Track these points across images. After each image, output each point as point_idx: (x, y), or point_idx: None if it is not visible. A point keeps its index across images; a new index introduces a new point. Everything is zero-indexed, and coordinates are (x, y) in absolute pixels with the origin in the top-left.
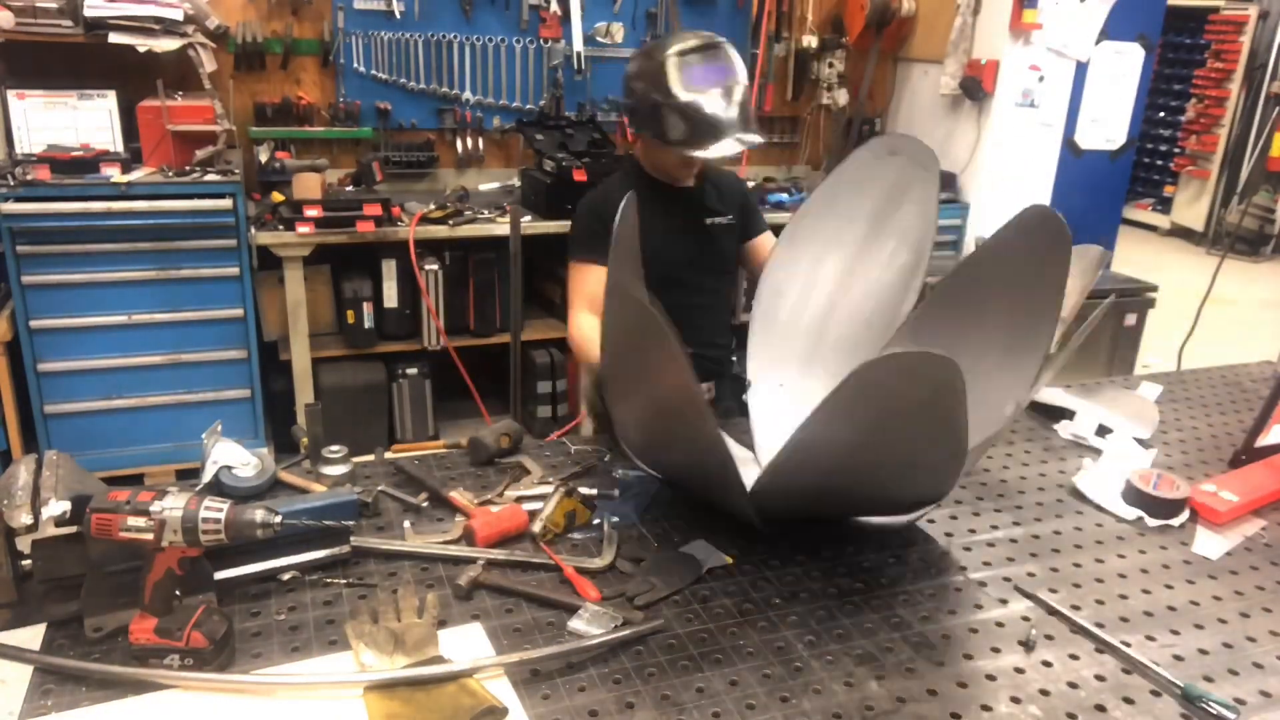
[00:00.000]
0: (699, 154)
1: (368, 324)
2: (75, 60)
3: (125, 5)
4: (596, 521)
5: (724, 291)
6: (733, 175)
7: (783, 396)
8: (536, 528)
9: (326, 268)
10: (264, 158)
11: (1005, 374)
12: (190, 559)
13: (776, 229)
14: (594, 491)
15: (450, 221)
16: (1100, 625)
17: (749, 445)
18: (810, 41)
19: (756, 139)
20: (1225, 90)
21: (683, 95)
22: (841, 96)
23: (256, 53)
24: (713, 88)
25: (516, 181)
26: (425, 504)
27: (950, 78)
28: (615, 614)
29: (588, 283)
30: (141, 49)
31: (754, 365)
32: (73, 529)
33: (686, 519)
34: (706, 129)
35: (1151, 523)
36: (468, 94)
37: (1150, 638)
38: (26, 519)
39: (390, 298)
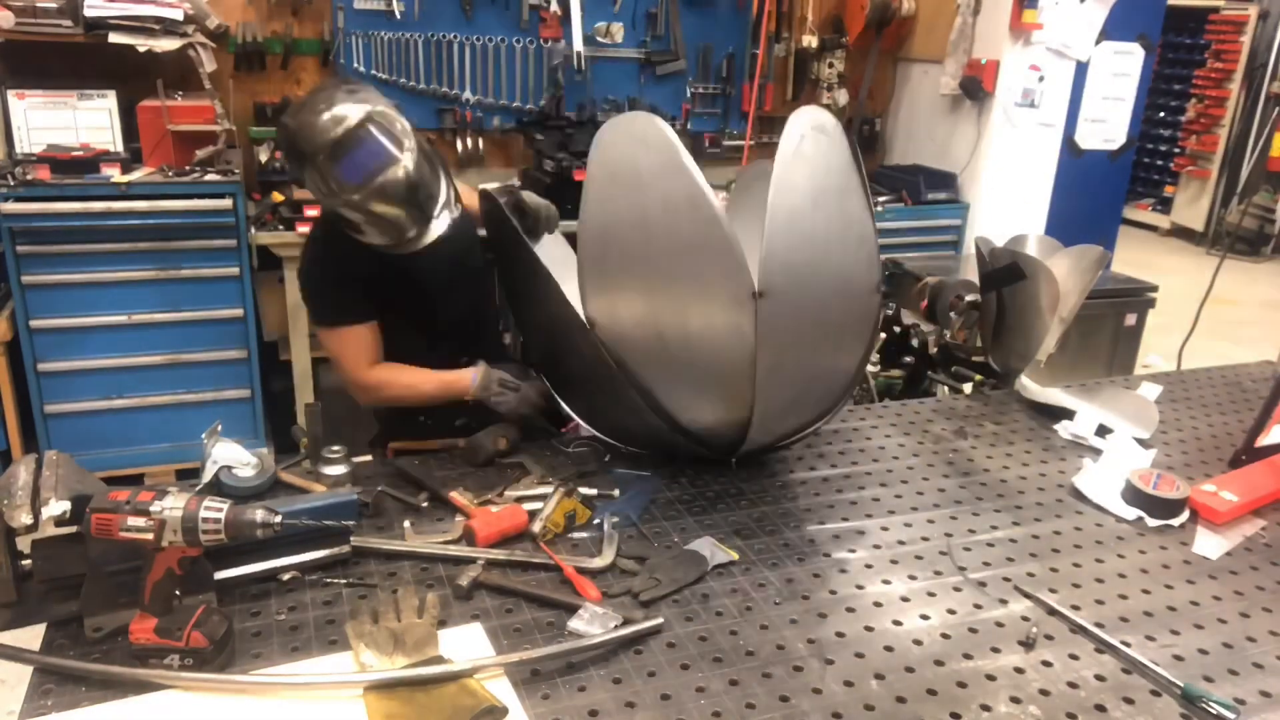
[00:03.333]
0: (411, 250)
1: None
2: (75, 60)
3: (125, 5)
4: (596, 521)
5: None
6: None
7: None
8: (536, 528)
9: None
10: (264, 158)
11: None
12: (190, 559)
13: None
14: (594, 491)
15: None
16: (1100, 625)
17: None
18: (810, 41)
19: (455, 211)
20: (1225, 90)
21: (356, 197)
22: (841, 96)
23: (256, 53)
24: (379, 177)
25: (517, 181)
26: (425, 504)
27: (950, 78)
28: (615, 614)
29: (354, 342)
30: (141, 49)
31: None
32: (73, 529)
33: (687, 519)
34: (398, 226)
35: (1151, 523)
36: (468, 94)
37: (1150, 638)
38: (26, 519)
39: None
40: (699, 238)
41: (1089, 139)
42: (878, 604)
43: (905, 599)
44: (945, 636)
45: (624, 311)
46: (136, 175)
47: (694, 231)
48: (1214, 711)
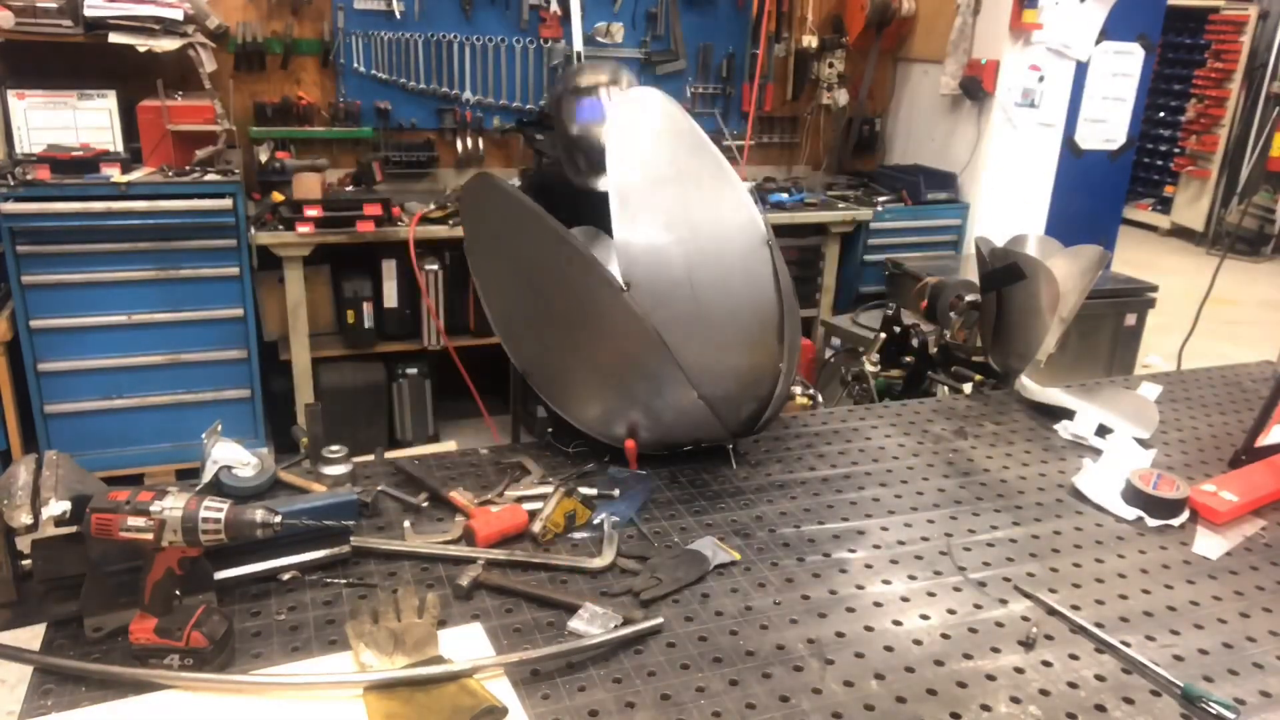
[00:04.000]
0: (596, 188)
1: (368, 324)
2: (75, 60)
3: (125, 5)
4: (596, 521)
5: None
6: None
7: None
8: (536, 528)
9: (326, 268)
10: (264, 158)
11: None
12: (190, 559)
13: (778, 228)
14: (594, 491)
15: (450, 221)
16: (1100, 625)
17: None
18: (810, 41)
19: None
20: (1225, 90)
21: (573, 130)
22: (841, 96)
23: (256, 53)
24: (601, 122)
25: (516, 181)
26: (425, 504)
27: (950, 78)
28: (615, 614)
29: None
30: (141, 49)
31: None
32: (73, 529)
33: (687, 518)
34: (599, 162)
35: (1151, 523)
36: (468, 94)
37: (1150, 638)
38: (26, 519)
39: (390, 298)
40: (718, 191)
41: (1089, 139)
42: (878, 604)
43: (905, 599)
44: (945, 636)
45: (660, 268)
46: (136, 175)
47: (713, 184)
48: (1214, 711)
